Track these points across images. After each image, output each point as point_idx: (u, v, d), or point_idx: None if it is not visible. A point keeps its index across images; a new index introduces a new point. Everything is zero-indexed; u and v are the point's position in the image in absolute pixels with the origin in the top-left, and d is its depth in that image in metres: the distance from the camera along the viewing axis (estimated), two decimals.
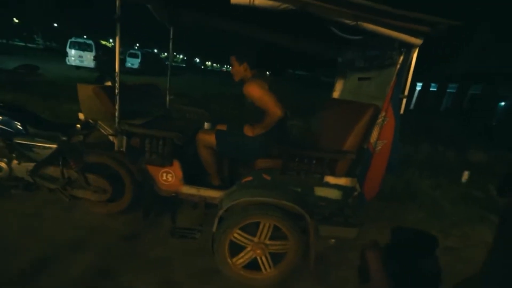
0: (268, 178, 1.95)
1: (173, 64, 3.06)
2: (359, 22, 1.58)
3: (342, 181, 2.01)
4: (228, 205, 1.81)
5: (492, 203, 4.02)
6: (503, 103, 14.72)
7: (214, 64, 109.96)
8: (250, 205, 1.87)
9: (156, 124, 2.38)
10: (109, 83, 2.44)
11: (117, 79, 1.79)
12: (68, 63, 14.90)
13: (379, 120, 1.82)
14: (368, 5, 1.51)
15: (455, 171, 5.22)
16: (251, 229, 1.89)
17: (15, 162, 2.18)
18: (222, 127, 2.35)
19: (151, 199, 2.23)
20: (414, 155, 5.82)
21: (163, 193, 2.05)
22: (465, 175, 4.97)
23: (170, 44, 2.92)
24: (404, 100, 1.87)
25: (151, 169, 1.98)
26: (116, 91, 1.80)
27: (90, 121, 2.15)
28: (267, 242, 1.90)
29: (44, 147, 2.15)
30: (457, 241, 3.00)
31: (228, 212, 1.87)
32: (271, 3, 1.55)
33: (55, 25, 33.81)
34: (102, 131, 2.06)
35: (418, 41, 1.66)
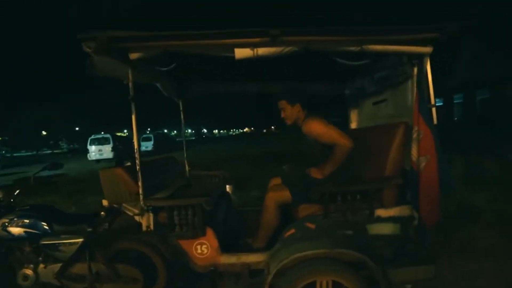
0: (313, 226, 1.73)
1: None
2: (364, 46, 1.58)
3: (395, 211, 1.77)
4: (277, 268, 1.56)
5: None
6: None
7: (221, 131, 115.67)
8: (300, 263, 1.61)
9: (180, 194, 2.29)
10: (128, 164, 2.45)
11: (136, 155, 1.78)
12: (89, 158, 15.92)
13: (414, 136, 1.68)
14: (370, 29, 1.53)
15: (507, 182, 4.66)
16: None
17: (41, 266, 2.05)
18: (277, 181, 2.22)
19: (186, 280, 1.99)
20: (450, 170, 5.33)
21: (200, 269, 1.82)
22: None
23: (181, 115, 3.03)
24: (434, 110, 1.75)
25: (184, 243, 1.81)
26: (137, 167, 1.76)
27: (115, 205, 2.08)
28: None
29: (70, 243, 2.04)
30: None
31: (277, 276, 1.60)
32: (273, 49, 1.59)
33: (77, 128, 37.51)
34: (128, 213, 1.96)
35: (427, 49, 1.63)
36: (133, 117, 1.76)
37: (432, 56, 1.69)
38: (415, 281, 1.78)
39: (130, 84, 1.75)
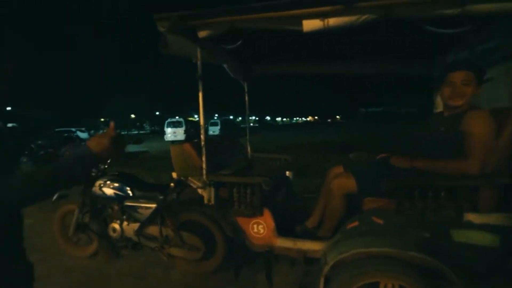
0: (380, 221, 1.53)
1: (250, 125, 3.23)
2: (466, 7, 1.25)
3: (494, 218, 1.41)
4: (335, 260, 1.45)
5: None
6: None
7: (284, 119, 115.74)
8: (362, 259, 1.45)
9: (242, 173, 2.33)
10: (196, 140, 2.63)
11: (202, 131, 1.86)
12: (166, 139, 18.02)
13: None
14: None
15: None
16: None
17: (125, 223, 2.40)
18: (339, 169, 2.00)
19: (243, 257, 2.04)
20: None
21: (255, 248, 1.84)
22: None
23: (246, 97, 3.06)
24: None
25: (241, 221, 1.84)
26: (202, 143, 1.85)
27: (182, 178, 2.25)
28: None
29: (146, 207, 2.32)
30: None
31: (334, 268, 1.49)
32: (347, 19, 1.40)
33: (157, 113, 42.97)
34: (193, 186, 2.11)
35: None
36: (200, 94, 1.83)
37: None
38: None
39: (199, 63, 1.82)
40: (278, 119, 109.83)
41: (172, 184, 2.28)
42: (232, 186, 1.80)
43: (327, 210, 1.77)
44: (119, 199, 2.42)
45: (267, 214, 1.77)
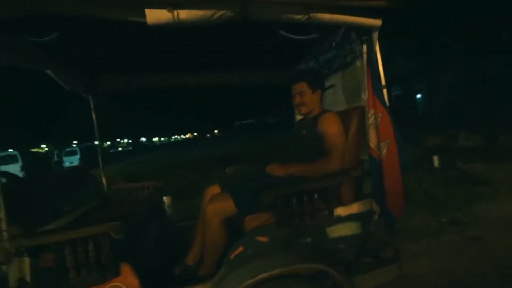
0: (265, 239, 1.37)
1: (119, 149, 2.56)
2: (311, 14, 1.31)
3: (355, 208, 1.54)
4: None
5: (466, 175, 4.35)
6: (419, 95, 16.88)
7: (162, 138, 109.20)
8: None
9: (88, 219, 1.69)
10: None
11: None
12: None
13: (371, 120, 1.49)
14: None
15: (423, 161, 5.31)
16: None
17: None
18: (215, 189, 1.75)
19: None
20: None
21: None
22: (435, 160, 5.06)
23: (93, 116, 2.36)
24: (385, 91, 1.59)
25: None
26: None
27: None
28: None
29: None
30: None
31: None
32: (201, 13, 1.19)
33: None
34: None
35: (377, 22, 1.46)
36: None
37: None
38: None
39: None
40: (155, 139, 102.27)
41: None
42: (60, 247, 1.18)
43: (206, 241, 1.48)
44: None
45: (126, 271, 1.26)
